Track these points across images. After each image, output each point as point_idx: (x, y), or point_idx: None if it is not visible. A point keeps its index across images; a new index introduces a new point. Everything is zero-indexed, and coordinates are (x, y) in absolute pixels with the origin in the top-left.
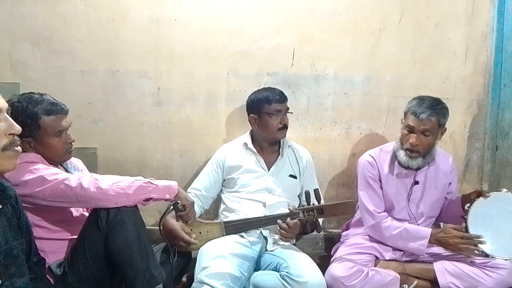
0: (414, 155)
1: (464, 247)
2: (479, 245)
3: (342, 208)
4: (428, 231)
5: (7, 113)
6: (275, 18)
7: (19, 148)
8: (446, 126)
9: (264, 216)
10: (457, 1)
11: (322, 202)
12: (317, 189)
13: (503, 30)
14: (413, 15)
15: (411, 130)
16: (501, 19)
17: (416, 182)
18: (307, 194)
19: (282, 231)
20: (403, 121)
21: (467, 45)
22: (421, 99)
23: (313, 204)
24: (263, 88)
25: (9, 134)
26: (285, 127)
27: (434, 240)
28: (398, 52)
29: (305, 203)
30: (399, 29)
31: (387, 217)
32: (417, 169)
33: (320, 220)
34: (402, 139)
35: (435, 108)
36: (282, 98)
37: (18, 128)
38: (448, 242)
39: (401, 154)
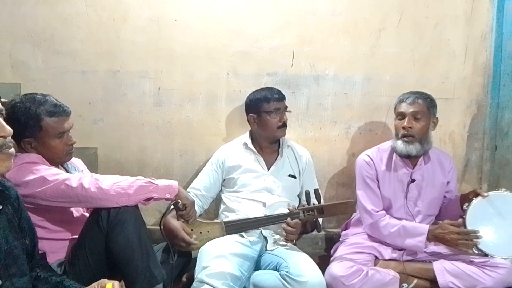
0: (409, 139)
1: (461, 243)
2: (478, 242)
3: (342, 208)
4: (425, 227)
5: (0, 115)
6: (275, 19)
7: (12, 150)
8: (437, 116)
9: (265, 216)
10: (456, 2)
11: (322, 202)
12: (317, 189)
13: (502, 30)
14: (413, 15)
15: (402, 116)
16: (500, 20)
17: (413, 180)
18: (307, 194)
19: (288, 233)
20: (395, 113)
21: (467, 45)
22: (406, 93)
23: (313, 204)
24: (261, 88)
25: (0, 136)
26: (284, 125)
27: (432, 237)
28: (397, 52)
29: (305, 202)
30: (399, 29)
31: (385, 215)
32: (415, 157)
33: (320, 220)
34: (397, 129)
35: (420, 93)
36: (281, 97)
37: (8, 130)
38: (445, 238)
39: (398, 143)
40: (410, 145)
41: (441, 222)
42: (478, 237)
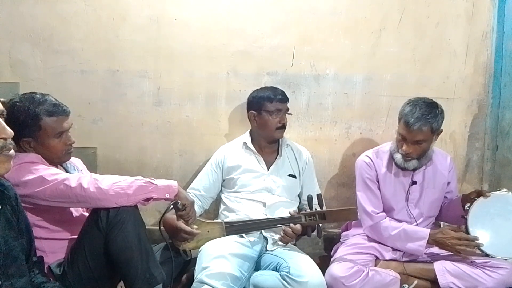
0: (408, 159)
1: (461, 249)
2: (477, 249)
3: (345, 215)
4: (426, 231)
5: (1, 116)
6: (275, 18)
7: (12, 152)
8: (442, 128)
9: (266, 219)
10: (457, 1)
11: (324, 207)
12: (320, 194)
13: (503, 30)
14: (414, 14)
15: (404, 138)
16: (501, 19)
17: (414, 182)
18: (310, 199)
19: (286, 236)
20: (398, 124)
21: (468, 45)
22: (414, 106)
23: (315, 209)
24: (266, 87)
25: (0, 138)
26: (283, 126)
27: (432, 241)
28: (398, 52)
29: (305, 203)
30: (400, 28)
31: (385, 218)
32: (414, 169)
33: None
34: (397, 143)
35: (427, 118)
36: (284, 98)
37: (9, 132)
38: (446, 243)
39: (398, 157)
40: (408, 162)
41: (442, 224)
42: (479, 245)
